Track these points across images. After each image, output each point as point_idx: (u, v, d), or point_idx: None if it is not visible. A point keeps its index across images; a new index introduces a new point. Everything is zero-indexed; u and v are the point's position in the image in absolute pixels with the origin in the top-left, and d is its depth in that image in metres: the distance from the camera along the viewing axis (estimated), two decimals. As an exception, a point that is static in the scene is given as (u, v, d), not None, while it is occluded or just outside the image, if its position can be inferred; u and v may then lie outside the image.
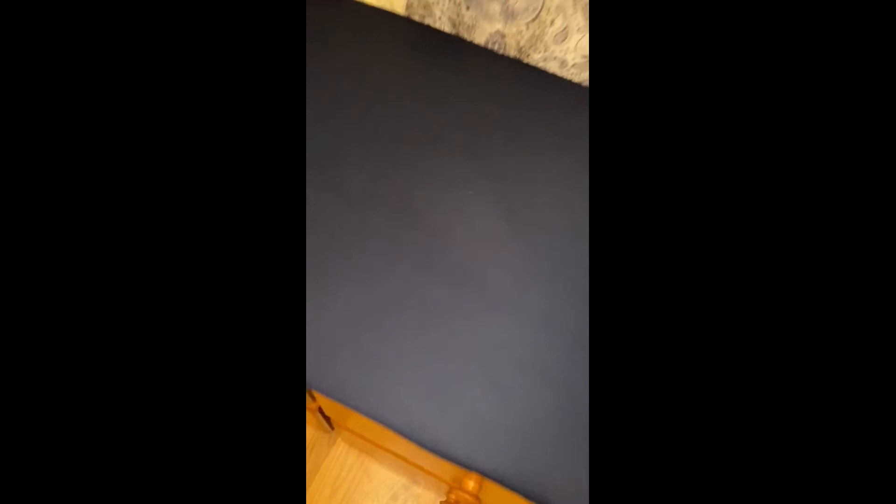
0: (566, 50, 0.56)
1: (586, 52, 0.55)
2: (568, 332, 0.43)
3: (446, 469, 0.53)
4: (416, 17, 0.61)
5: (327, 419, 0.72)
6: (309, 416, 0.72)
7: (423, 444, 0.39)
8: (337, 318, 0.42)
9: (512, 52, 0.59)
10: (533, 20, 0.54)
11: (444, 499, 0.56)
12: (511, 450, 0.39)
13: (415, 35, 0.60)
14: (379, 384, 0.40)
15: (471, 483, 0.48)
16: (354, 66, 0.57)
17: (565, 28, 0.54)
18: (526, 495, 0.38)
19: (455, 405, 0.40)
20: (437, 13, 0.59)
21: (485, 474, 0.39)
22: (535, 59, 0.59)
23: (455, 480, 0.53)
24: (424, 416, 0.40)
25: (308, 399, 0.63)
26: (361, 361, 0.41)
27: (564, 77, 0.59)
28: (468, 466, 0.39)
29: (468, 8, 0.57)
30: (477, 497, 0.49)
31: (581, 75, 0.58)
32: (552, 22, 0.53)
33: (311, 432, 0.85)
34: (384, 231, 0.46)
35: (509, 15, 0.55)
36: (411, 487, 0.82)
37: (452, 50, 0.59)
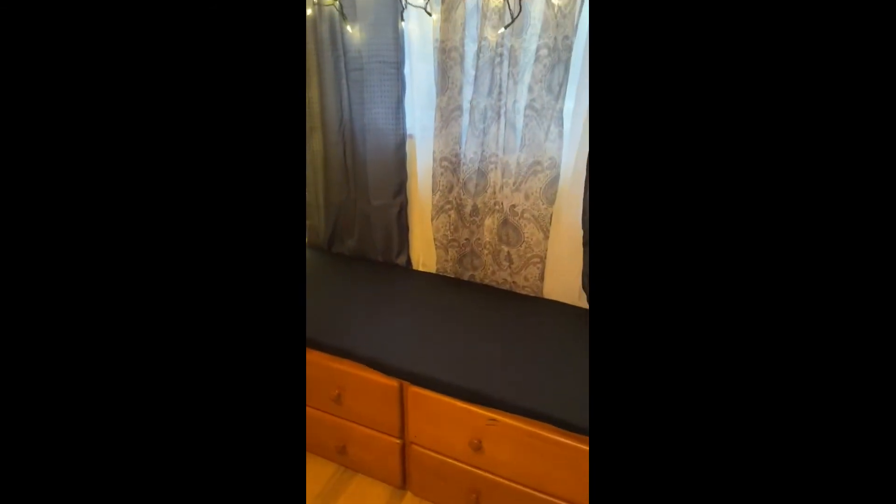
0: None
1: (432, 266, 1.48)
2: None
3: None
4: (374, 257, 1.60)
5: (404, 466, 1.30)
6: (387, 461, 1.31)
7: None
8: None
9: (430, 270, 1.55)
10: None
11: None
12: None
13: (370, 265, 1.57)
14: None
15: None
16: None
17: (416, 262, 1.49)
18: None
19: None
20: (377, 255, 1.58)
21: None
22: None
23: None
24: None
25: (396, 439, 1.26)
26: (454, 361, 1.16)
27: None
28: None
29: (398, 254, 1.55)
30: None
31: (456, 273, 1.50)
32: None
33: (388, 490, 1.38)
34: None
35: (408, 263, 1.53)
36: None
37: (391, 270, 1.55)
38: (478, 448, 1.15)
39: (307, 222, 1.79)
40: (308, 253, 1.79)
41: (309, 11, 1.37)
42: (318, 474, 1.42)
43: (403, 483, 1.35)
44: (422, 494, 1.34)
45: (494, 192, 1.39)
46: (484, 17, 1.18)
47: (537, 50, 1.16)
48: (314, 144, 1.62)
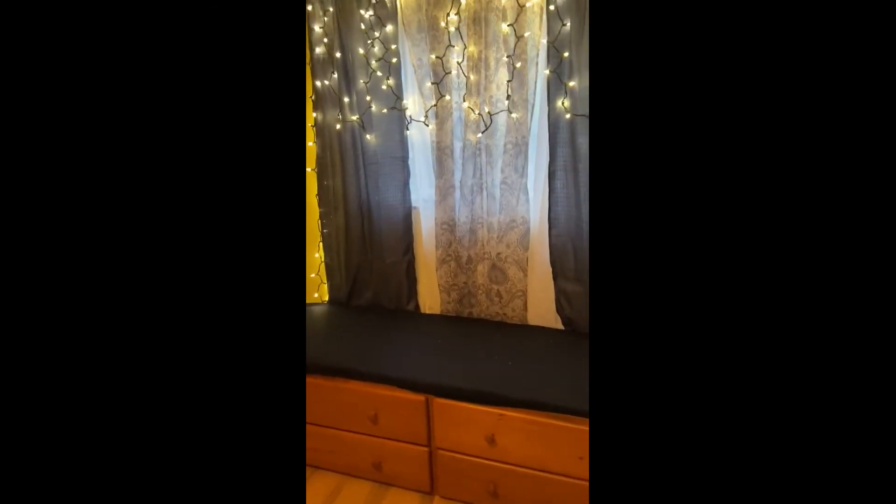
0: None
1: (435, 308, 1.88)
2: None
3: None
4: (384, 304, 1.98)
5: (431, 472, 1.58)
6: (418, 469, 1.58)
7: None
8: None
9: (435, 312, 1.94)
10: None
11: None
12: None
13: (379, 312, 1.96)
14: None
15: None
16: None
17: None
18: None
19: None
20: (384, 302, 1.97)
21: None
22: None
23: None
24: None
25: (424, 447, 1.55)
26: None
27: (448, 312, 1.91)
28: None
29: (408, 301, 1.95)
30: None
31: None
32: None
33: (417, 498, 1.64)
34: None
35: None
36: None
37: (404, 314, 1.94)
38: (491, 441, 1.47)
39: (329, 282, 2.17)
40: (330, 307, 2.14)
41: (338, 126, 1.87)
42: (354, 495, 1.66)
43: (431, 488, 1.62)
44: (448, 495, 1.60)
45: (483, 245, 1.84)
46: (466, 126, 1.70)
47: (505, 145, 1.68)
48: (338, 220, 2.05)
